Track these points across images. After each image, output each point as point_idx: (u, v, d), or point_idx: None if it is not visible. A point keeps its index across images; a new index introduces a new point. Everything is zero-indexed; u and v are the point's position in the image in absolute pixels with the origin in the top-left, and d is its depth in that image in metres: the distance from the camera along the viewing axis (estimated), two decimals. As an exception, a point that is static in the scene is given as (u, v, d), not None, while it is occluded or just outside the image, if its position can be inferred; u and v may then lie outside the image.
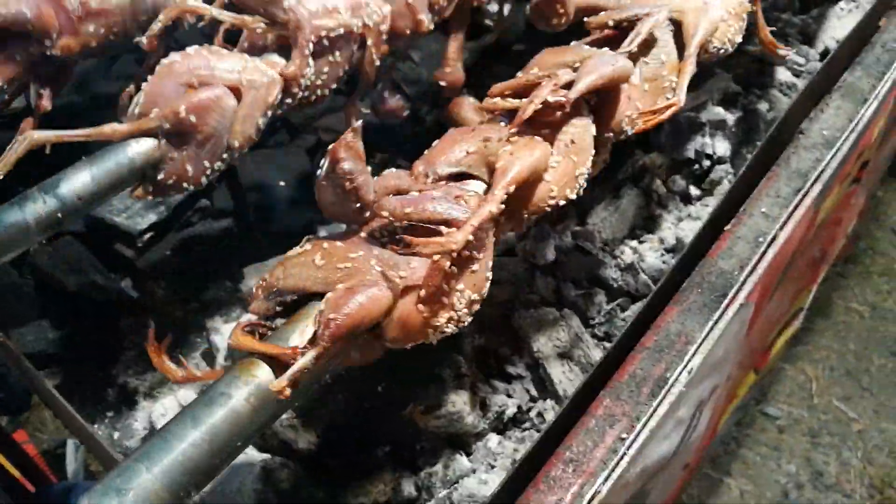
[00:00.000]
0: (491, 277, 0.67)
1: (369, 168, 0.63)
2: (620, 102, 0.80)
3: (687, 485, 1.49)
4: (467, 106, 0.76)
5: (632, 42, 0.80)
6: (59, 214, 0.67)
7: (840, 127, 0.97)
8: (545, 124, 0.73)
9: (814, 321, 2.61)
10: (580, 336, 0.93)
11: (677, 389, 0.72)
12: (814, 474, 2.27)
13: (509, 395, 0.91)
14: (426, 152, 0.70)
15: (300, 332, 0.59)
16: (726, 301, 0.77)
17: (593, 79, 0.72)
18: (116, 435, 0.93)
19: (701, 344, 0.75)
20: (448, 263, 0.61)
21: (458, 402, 0.81)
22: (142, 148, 0.70)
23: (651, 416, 0.70)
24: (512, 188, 0.67)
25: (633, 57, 0.81)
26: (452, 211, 0.65)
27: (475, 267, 0.64)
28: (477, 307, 0.65)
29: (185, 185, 0.71)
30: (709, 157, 1.15)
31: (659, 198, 1.12)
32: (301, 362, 0.57)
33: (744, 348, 1.06)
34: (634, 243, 1.04)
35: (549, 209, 0.72)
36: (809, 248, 1.35)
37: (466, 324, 0.63)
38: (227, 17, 0.73)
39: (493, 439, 0.86)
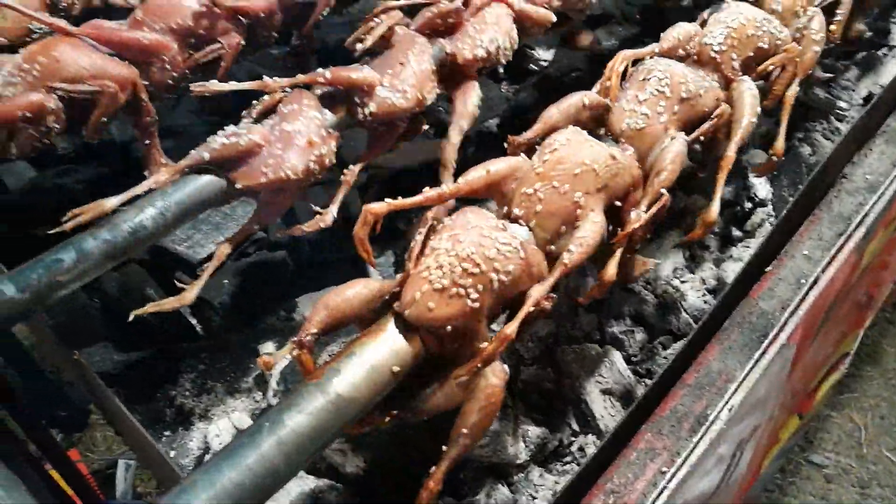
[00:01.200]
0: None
1: None
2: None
3: (729, 529, 1.47)
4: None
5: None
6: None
7: (883, 171, 0.98)
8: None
9: (862, 367, 2.55)
10: (622, 372, 0.95)
11: (718, 426, 0.74)
12: (863, 527, 2.19)
13: (552, 430, 0.93)
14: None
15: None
16: (767, 341, 0.79)
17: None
18: (172, 453, 0.98)
19: (742, 383, 0.76)
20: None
21: (502, 431, 0.83)
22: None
23: (691, 451, 0.71)
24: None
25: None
26: None
27: None
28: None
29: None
30: (750, 199, 1.17)
31: (703, 240, 1.14)
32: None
33: (786, 390, 1.06)
34: (676, 282, 1.06)
35: None
36: (854, 292, 1.34)
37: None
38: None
39: (535, 471, 0.88)
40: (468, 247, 0.65)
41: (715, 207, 0.82)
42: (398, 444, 0.86)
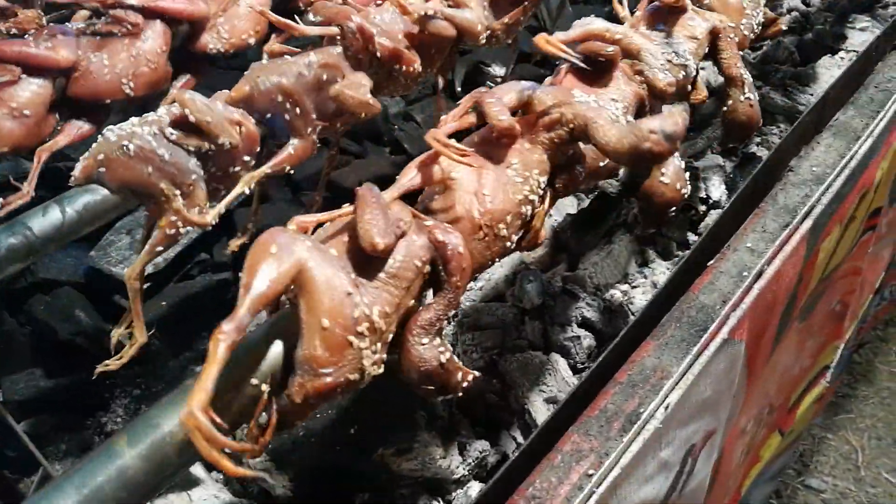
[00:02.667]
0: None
1: None
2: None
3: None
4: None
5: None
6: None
7: (830, 164, 0.95)
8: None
9: (856, 388, 2.48)
10: (567, 380, 0.90)
11: (652, 426, 0.69)
12: (864, 553, 2.10)
13: (494, 443, 0.88)
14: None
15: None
16: (706, 336, 0.74)
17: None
18: (99, 484, 0.92)
19: (679, 380, 0.72)
20: None
21: (431, 444, 0.78)
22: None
23: (623, 453, 0.66)
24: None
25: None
26: None
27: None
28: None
29: None
30: (703, 201, 1.13)
31: (654, 244, 1.11)
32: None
33: (748, 397, 1.01)
34: (626, 287, 1.02)
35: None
36: (823, 298, 1.30)
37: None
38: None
39: (474, 487, 0.83)
40: None
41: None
42: (323, 461, 0.81)
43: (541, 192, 0.62)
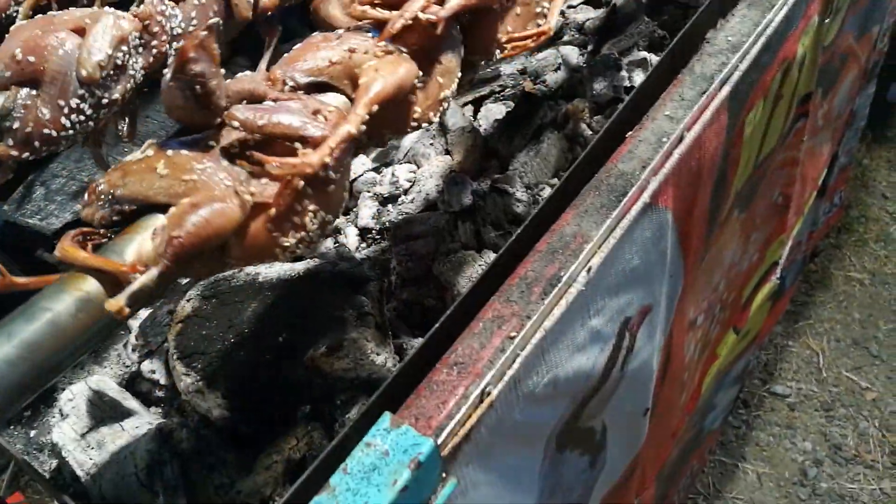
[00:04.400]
0: (348, 197, 0.63)
1: (223, 71, 0.60)
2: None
3: (673, 449, 1.41)
4: (335, 2, 0.73)
5: None
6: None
7: (746, 33, 0.94)
8: (413, 41, 0.71)
9: (813, 294, 2.53)
10: (500, 273, 0.89)
11: (575, 290, 0.68)
12: (832, 448, 2.16)
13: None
14: (285, 56, 0.67)
15: (137, 247, 0.55)
16: (626, 200, 0.73)
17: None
18: (33, 433, 0.90)
19: (601, 244, 0.71)
20: (301, 183, 0.58)
21: (360, 339, 0.76)
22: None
23: (546, 316, 0.65)
24: (375, 108, 0.64)
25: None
26: (309, 127, 0.62)
27: (331, 188, 0.61)
28: (331, 227, 0.62)
29: (46, 130, 0.69)
30: (628, 90, 1.12)
31: (584, 139, 1.09)
32: (142, 280, 0.54)
33: (689, 278, 1.00)
34: (555, 181, 1.01)
35: (410, 130, 0.69)
36: (762, 187, 1.30)
37: (319, 244, 0.59)
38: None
39: (414, 386, 0.81)
40: None
41: (553, 19, 0.76)
42: (255, 371, 0.79)
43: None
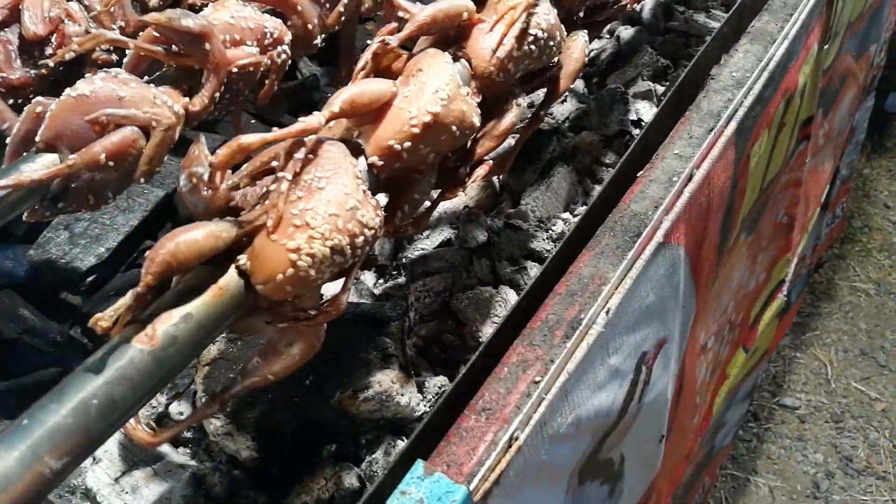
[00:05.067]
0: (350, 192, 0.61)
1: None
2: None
3: (686, 469, 1.43)
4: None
5: None
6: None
7: (749, 68, 0.97)
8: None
9: (819, 305, 2.55)
10: (517, 309, 0.91)
11: (596, 331, 0.70)
12: (843, 460, 2.17)
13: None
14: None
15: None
16: (640, 240, 0.76)
17: (421, 20, 0.69)
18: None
19: (618, 285, 0.73)
20: (285, 185, 0.58)
21: (385, 381, 0.78)
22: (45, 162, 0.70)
23: (568, 358, 0.67)
24: (342, 105, 0.60)
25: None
26: None
27: (321, 184, 0.60)
28: (341, 221, 0.60)
29: (83, 209, 0.72)
30: (636, 124, 1.15)
31: (593, 173, 1.12)
32: (119, 302, 0.54)
33: (700, 308, 1.03)
34: (567, 215, 1.03)
35: (416, 129, 0.67)
36: (767, 210, 1.33)
37: (339, 242, 0.57)
38: (147, 48, 0.73)
39: (437, 423, 0.84)
40: (342, 236, 0.59)
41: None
42: (283, 414, 0.81)
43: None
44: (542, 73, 0.80)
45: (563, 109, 1.23)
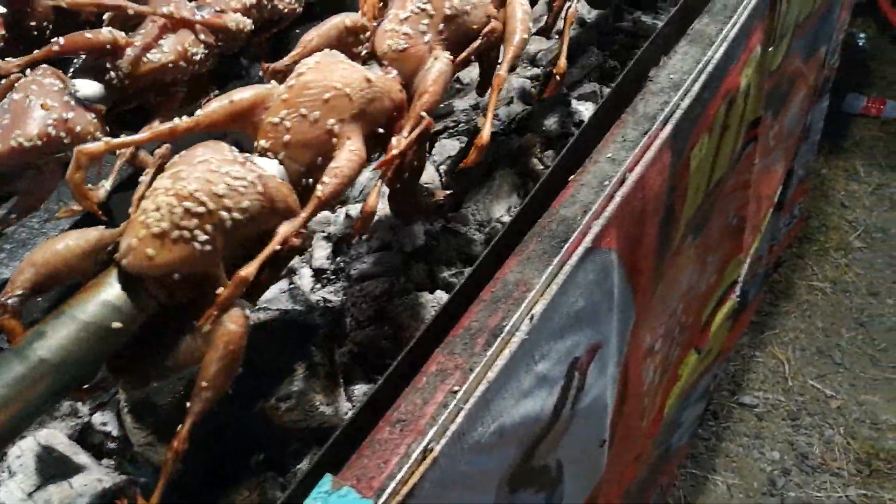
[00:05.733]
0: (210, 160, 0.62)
1: None
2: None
3: (637, 473, 1.43)
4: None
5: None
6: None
7: (687, 70, 0.96)
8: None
9: (777, 304, 2.58)
10: (452, 314, 0.90)
11: (519, 338, 0.69)
12: (799, 458, 2.19)
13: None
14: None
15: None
16: (567, 245, 0.75)
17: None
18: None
19: (543, 291, 0.72)
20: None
21: (310, 391, 0.77)
22: None
23: (489, 366, 0.66)
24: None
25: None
26: None
27: (178, 166, 0.62)
28: (194, 184, 0.60)
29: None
30: (577, 125, 1.14)
31: (536, 174, 1.11)
32: None
33: (641, 311, 1.02)
34: (507, 218, 1.02)
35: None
36: (715, 212, 1.33)
37: (193, 195, 0.58)
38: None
39: (367, 432, 0.82)
40: (191, 183, 0.59)
41: (486, 130, 0.78)
42: (206, 423, 0.79)
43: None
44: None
45: (509, 111, 1.22)
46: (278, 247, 0.62)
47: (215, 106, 0.67)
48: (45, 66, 0.78)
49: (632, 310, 0.98)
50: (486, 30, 0.82)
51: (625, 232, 0.85)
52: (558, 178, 0.84)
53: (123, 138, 0.63)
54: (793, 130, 1.79)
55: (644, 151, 0.87)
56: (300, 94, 0.68)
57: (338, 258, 1.04)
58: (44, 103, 0.73)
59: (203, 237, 0.58)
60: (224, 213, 0.59)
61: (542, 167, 1.11)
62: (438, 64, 0.76)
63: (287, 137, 0.67)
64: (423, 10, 0.79)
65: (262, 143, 0.67)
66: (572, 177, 0.83)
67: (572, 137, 0.86)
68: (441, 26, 0.79)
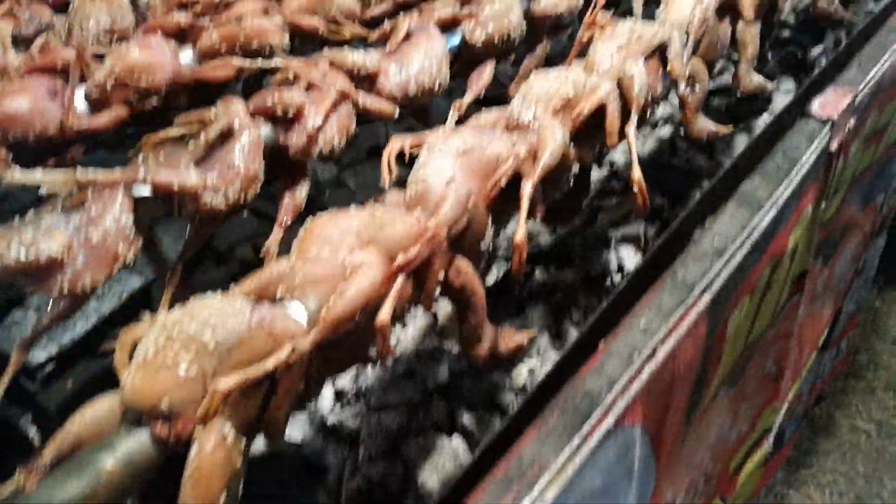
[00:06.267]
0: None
1: None
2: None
3: None
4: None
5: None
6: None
7: (732, 235, 0.94)
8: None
9: (817, 442, 2.45)
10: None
11: (527, 524, 0.66)
12: None
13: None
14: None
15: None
16: (588, 426, 0.72)
17: None
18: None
19: (558, 473, 0.69)
20: None
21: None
22: None
23: (493, 556, 0.63)
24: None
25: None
26: None
27: None
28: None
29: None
30: (620, 270, 1.13)
31: (570, 315, 1.09)
32: None
33: (661, 478, 0.98)
34: (535, 362, 1.00)
35: None
36: (753, 363, 1.28)
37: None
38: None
39: (365, 583, 0.79)
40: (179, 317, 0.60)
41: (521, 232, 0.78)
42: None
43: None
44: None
45: (541, 241, 1.22)
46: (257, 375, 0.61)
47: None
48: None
49: (652, 475, 0.94)
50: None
51: (651, 405, 0.82)
52: (589, 343, 0.82)
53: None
54: (844, 275, 1.73)
55: (679, 322, 0.84)
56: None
57: (359, 380, 1.03)
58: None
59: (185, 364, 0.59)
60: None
61: (576, 307, 1.10)
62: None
63: (298, 279, 0.67)
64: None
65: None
66: (602, 343, 0.81)
67: (606, 298, 0.84)
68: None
